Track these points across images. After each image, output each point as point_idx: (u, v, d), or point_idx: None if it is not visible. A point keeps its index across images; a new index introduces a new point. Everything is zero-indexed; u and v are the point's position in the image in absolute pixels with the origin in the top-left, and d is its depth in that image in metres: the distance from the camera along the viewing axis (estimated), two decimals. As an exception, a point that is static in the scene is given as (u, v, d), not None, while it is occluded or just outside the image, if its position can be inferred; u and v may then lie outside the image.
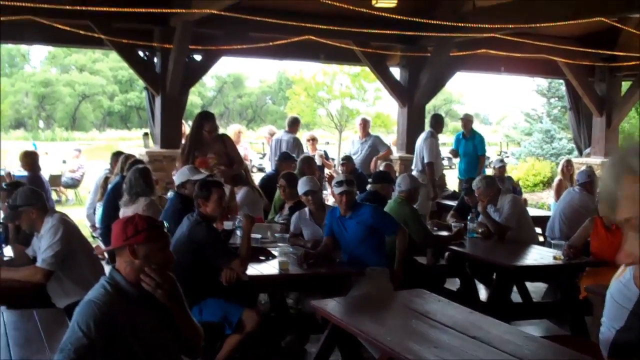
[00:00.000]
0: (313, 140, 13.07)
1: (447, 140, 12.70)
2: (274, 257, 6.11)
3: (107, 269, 5.26)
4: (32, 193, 5.54)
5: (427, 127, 11.70)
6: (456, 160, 14.63)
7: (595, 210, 7.13)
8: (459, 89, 68.68)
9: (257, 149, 30.02)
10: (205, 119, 8.22)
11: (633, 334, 4.59)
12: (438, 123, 11.71)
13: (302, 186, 7.06)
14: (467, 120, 12.79)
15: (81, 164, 18.35)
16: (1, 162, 16.23)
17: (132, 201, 7.02)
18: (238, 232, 6.62)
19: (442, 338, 4.06)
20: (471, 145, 12.51)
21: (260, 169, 22.04)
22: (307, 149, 12.85)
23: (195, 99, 51.99)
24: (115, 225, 3.54)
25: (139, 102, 60.98)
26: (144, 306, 3.46)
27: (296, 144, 11.92)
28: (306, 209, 7.11)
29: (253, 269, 5.74)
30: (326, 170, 11.83)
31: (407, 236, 6.51)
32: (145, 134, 12.93)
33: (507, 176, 11.61)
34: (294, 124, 12.44)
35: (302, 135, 14.39)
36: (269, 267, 5.92)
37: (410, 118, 13.36)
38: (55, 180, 16.46)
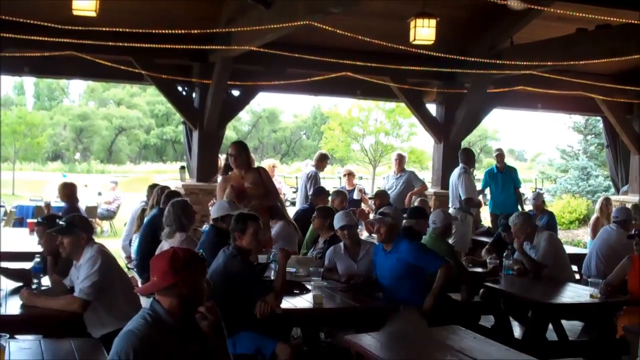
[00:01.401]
0: (349, 174, 13.10)
1: (480, 177, 12.71)
2: (308, 291, 6.12)
3: (143, 300, 5.32)
4: (87, 221, 5.77)
5: (459, 164, 11.68)
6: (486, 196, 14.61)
7: (632, 249, 7.04)
8: (494, 125, 68.32)
9: (290, 183, 30.14)
10: (231, 144, 8.26)
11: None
12: (469, 158, 11.67)
13: (338, 221, 7.09)
14: (500, 155, 12.76)
15: (117, 195, 18.55)
16: (39, 193, 16.48)
17: (171, 234, 7.06)
18: (272, 266, 6.65)
19: (478, 375, 4.04)
20: (507, 178, 12.45)
21: (293, 203, 22.15)
22: (344, 183, 12.92)
23: (230, 133, 52.33)
24: (157, 262, 3.53)
25: (175, 135, 61.70)
26: (184, 338, 3.49)
27: (308, 178, 11.95)
28: (341, 244, 7.13)
29: (287, 303, 5.75)
30: (363, 205, 11.86)
31: (451, 270, 6.45)
32: (182, 168, 13.07)
33: (549, 211, 11.57)
34: (321, 160, 12.41)
35: (336, 170, 14.47)
36: (303, 301, 5.93)
37: (445, 154, 13.35)
38: (92, 211, 16.65)
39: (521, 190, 13.12)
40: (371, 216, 10.03)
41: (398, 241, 6.48)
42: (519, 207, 11.98)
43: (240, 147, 8.07)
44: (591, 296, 6.61)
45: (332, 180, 32.06)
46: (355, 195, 12.11)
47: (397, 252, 6.40)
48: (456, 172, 11.50)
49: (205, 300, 3.58)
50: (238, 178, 7.93)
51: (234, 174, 7.99)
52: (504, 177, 12.50)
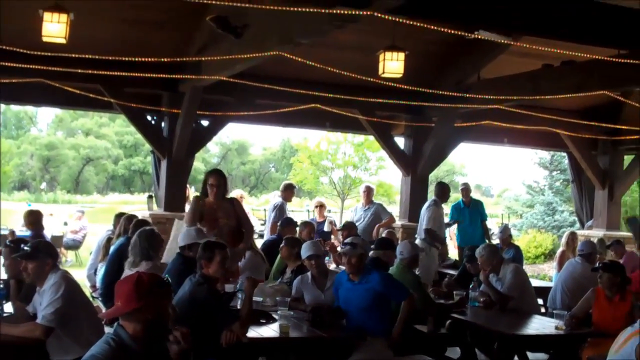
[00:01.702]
0: (321, 206, 13.09)
1: (447, 211, 12.74)
2: (274, 320, 6.10)
3: (107, 328, 5.25)
4: (52, 247, 5.72)
5: (432, 196, 11.74)
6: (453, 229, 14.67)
7: (597, 282, 7.12)
8: (461, 160, 68.95)
9: (259, 216, 30.00)
10: (211, 172, 8.19)
11: (636, 406, 4.59)
12: (443, 192, 11.77)
13: (305, 250, 7.09)
14: (466, 189, 12.87)
15: (83, 225, 18.34)
16: (3, 222, 16.26)
17: (136, 263, 6.99)
18: (239, 295, 6.61)
19: (443, 403, 4.03)
20: (474, 212, 12.56)
21: (261, 235, 22.09)
22: (314, 215, 12.92)
23: (199, 165, 52.20)
24: (121, 286, 3.49)
25: (143, 166, 61.41)
26: (146, 364, 3.46)
27: (274, 208, 11.94)
28: (308, 274, 7.12)
29: (253, 332, 5.73)
30: (332, 237, 11.84)
31: (414, 303, 6.50)
32: (150, 197, 12.99)
33: (515, 244, 11.67)
34: (286, 190, 12.40)
35: (304, 202, 14.47)
36: (269, 330, 5.90)
37: (413, 187, 13.46)
38: (57, 241, 16.37)
39: (488, 224, 13.21)
40: (339, 248, 10.03)
41: (367, 271, 6.47)
42: (486, 240, 12.05)
43: (221, 177, 8.01)
44: (556, 328, 6.65)
45: (300, 213, 32.01)
46: (326, 228, 12.11)
47: (366, 282, 6.38)
48: (427, 203, 11.58)
49: (170, 326, 3.57)
50: (212, 206, 7.89)
51: (208, 201, 7.94)
52: (471, 211, 12.59)
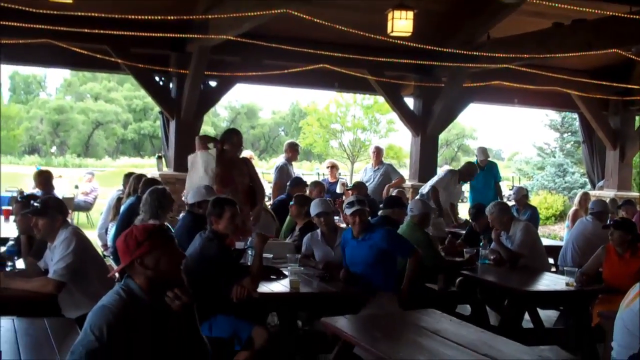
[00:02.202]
0: (332, 167, 13.07)
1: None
2: (285, 276, 6.11)
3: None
4: (62, 203, 5.68)
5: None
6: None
7: (607, 240, 7.09)
8: (471, 123, 68.69)
9: (268, 179, 29.97)
10: (234, 134, 8.26)
11: (645, 360, 4.58)
12: (469, 171, 11.59)
13: (315, 208, 7.08)
14: (483, 152, 12.81)
15: (94, 186, 18.38)
16: (14, 185, 16.31)
17: (145, 221, 6.99)
18: (249, 252, 6.62)
19: (453, 355, 4.04)
20: (488, 174, 12.51)
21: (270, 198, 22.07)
22: (326, 176, 12.90)
23: (208, 129, 52.21)
24: (118, 243, 3.55)
25: (153, 130, 61.48)
26: (157, 314, 3.47)
27: (277, 169, 11.85)
28: (318, 231, 7.12)
29: (264, 287, 5.74)
30: (344, 198, 11.80)
31: (421, 260, 6.50)
32: (159, 157, 12.99)
33: (532, 206, 11.67)
34: (289, 149, 12.04)
35: (315, 166, 14.39)
36: (280, 286, 5.91)
37: (423, 147, 13.43)
38: (68, 203, 16.42)
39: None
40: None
41: (371, 229, 6.46)
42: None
43: (240, 137, 8.15)
44: (567, 284, 6.63)
45: (310, 176, 31.97)
46: (339, 189, 12.07)
47: (370, 239, 6.38)
48: (445, 170, 11.49)
49: (180, 277, 3.57)
50: (227, 163, 7.92)
51: (224, 158, 7.97)
52: (485, 174, 12.50)
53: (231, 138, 8.14)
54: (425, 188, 11.27)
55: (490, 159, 12.84)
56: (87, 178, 18.90)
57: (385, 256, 6.43)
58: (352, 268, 6.44)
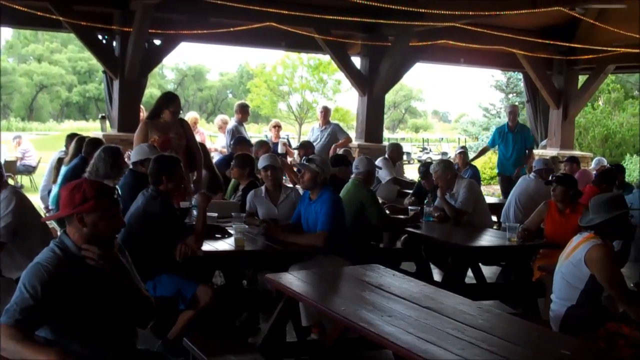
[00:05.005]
0: (276, 127, 13.02)
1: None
2: (230, 235, 6.08)
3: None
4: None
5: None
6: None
7: (549, 196, 7.21)
8: (418, 85, 69.03)
9: (215, 140, 29.81)
10: (171, 100, 8.10)
11: (584, 311, 4.70)
12: (396, 152, 11.18)
13: (263, 161, 7.05)
14: (514, 113, 12.71)
15: (25, 148, 17.87)
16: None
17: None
18: (194, 212, 6.56)
19: (396, 308, 4.07)
20: (518, 138, 12.38)
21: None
22: (270, 135, 12.85)
23: (154, 91, 51.50)
24: (63, 191, 3.48)
25: (98, 93, 60.45)
26: (92, 271, 3.42)
27: (229, 132, 11.71)
28: (262, 188, 7.09)
29: (209, 246, 5.71)
30: (288, 158, 11.78)
31: (324, 243, 6.03)
32: (103, 117, 12.80)
33: (473, 165, 11.70)
34: (240, 110, 12.00)
35: (263, 128, 14.29)
36: (225, 244, 5.88)
37: (369, 107, 13.44)
38: (10, 166, 16.15)
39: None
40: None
41: (323, 192, 6.40)
42: (525, 168, 11.82)
43: (179, 102, 8.05)
44: (509, 240, 6.72)
45: (258, 138, 31.86)
46: (280, 149, 12.01)
47: (318, 201, 6.32)
48: (380, 162, 10.99)
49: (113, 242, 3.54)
50: (164, 126, 7.82)
51: (161, 121, 7.87)
52: (515, 137, 12.39)
53: (168, 105, 8.00)
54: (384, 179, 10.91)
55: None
56: (15, 142, 18.38)
57: None
58: (304, 227, 6.41)
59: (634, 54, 12.18)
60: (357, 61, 13.64)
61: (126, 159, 8.02)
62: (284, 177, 9.45)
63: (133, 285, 3.60)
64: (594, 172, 10.99)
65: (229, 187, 8.53)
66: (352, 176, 7.57)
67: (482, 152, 13.65)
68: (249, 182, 7.61)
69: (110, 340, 3.49)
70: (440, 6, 10.68)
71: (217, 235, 6.10)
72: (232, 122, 12.03)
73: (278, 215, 6.82)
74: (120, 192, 6.38)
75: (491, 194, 17.33)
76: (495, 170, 21.16)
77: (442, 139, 49.19)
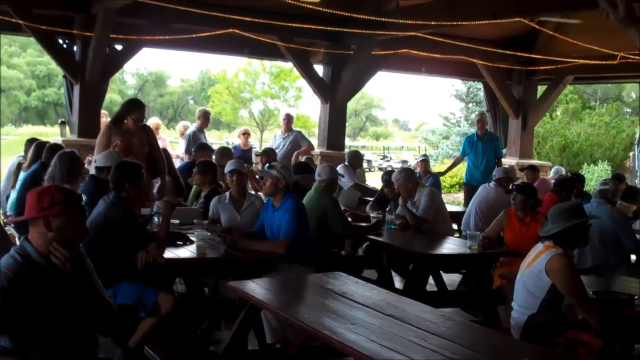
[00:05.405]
0: (245, 134, 12.99)
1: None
2: (192, 242, 6.04)
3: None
4: None
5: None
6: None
7: (509, 206, 7.28)
8: (379, 93, 69.36)
9: (176, 147, 29.67)
10: (135, 107, 8.04)
11: (544, 319, 4.75)
12: (355, 158, 11.32)
13: (230, 165, 7.08)
14: (481, 120, 12.74)
15: None
16: None
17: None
18: (155, 219, 6.52)
19: (359, 316, 4.08)
20: (488, 147, 12.34)
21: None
22: (239, 142, 12.84)
23: (115, 97, 51.17)
24: (30, 194, 3.47)
25: (57, 98, 59.77)
26: (54, 278, 3.39)
27: (187, 137, 11.71)
28: (226, 194, 7.08)
29: (170, 253, 5.68)
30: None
31: (284, 250, 6.04)
32: (62, 122, 12.65)
33: (434, 173, 11.76)
34: (202, 116, 12.08)
35: (224, 135, 14.25)
36: (186, 252, 5.85)
37: (331, 115, 13.49)
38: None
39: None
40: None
41: (286, 199, 6.38)
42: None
43: (144, 110, 8.00)
44: (470, 248, 6.78)
45: (219, 144, 31.76)
46: (254, 159, 12.03)
47: (281, 209, 6.31)
48: (340, 168, 10.90)
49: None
50: (127, 132, 7.78)
51: (124, 127, 7.82)
52: (485, 146, 12.37)
53: (131, 112, 7.95)
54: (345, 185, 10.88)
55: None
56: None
57: None
58: (268, 235, 6.39)
59: (592, 65, 12.39)
60: (319, 69, 13.68)
61: (86, 164, 7.95)
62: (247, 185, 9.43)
63: (96, 291, 3.58)
64: (553, 180, 11.12)
65: (191, 194, 8.48)
66: (315, 184, 7.60)
67: (455, 163, 13.71)
68: (211, 189, 7.59)
69: (71, 349, 3.45)
70: (403, 16, 10.75)
71: (178, 243, 6.07)
72: (191, 128, 12.02)
73: (240, 222, 6.81)
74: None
75: (451, 202, 17.46)
76: (456, 179, 21.49)
77: (403, 147, 49.59)
